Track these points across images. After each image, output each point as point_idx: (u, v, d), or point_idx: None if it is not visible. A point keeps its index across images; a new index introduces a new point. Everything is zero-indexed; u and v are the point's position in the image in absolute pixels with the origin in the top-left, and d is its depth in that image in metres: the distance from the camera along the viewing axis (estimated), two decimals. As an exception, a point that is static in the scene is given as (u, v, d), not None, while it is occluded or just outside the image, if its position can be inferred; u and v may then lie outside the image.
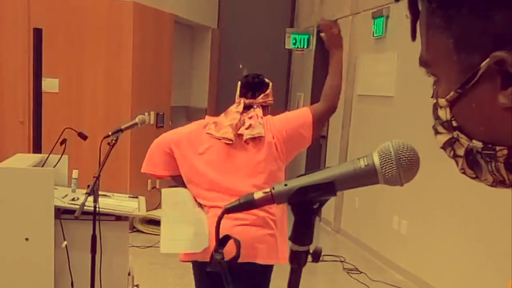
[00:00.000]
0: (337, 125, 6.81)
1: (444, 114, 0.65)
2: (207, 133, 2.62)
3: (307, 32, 7.95)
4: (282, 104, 9.22)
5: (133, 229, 6.04)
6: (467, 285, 4.37)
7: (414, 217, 5.18)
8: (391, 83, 5.57)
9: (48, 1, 5.83)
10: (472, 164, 0.65)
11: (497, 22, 0.56)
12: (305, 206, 0.87)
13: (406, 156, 0.84)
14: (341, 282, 5.21)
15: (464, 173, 0.67)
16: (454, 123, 0.64)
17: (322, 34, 2.81)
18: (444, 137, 0.66)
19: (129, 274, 3.36)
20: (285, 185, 0.88)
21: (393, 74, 5.52)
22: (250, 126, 2.63)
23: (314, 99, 7.72)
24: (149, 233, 6.07)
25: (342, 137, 6.68)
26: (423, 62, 0.67)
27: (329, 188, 0.85)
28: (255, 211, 2.55)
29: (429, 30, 0.64)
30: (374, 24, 5.89)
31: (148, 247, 5.65)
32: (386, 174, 0.84)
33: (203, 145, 2.62)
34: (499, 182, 0.65)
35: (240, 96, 2.74)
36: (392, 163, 0.84)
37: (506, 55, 0.56)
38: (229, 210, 0.92)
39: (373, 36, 5.93)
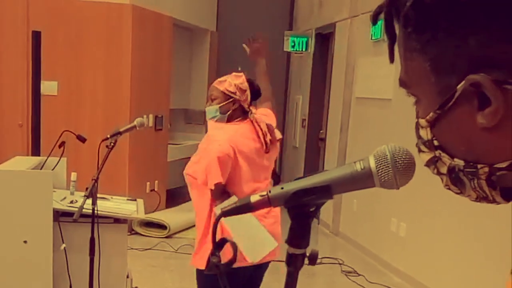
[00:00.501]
0: (336, 127, 6.82)
1: (426, 134, 0.66)
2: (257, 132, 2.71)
3: (305, 34, 7.96)
4: (281, 106, 9.23)
5: (132, 231, 6.04)
6: (466, 288, 4.38)
7: (413, 220, 5.19)
8: (389, 86, 5.58)
9: (47, 4, 5.84)
10: (455, 181, 0.66)
11: (472, 45, 0.57)
12: (302, 209, 0.87)
13: (402, 160, 0.84)
14: (340, 284, 5.21)
15: (449, 189, 0.69)
16: (436, 143, 0.66)
17: (245, 46, 3.03)
18: (427, 156, 0.68)
19: (127, 277, 3.36)
20: (282, 188, 0.88)
21: (391, 77, 5.52)
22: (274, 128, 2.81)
23: (313, 102, 7.74)
24: (148, 236, 6.07)
25: (341, 140, 6.69)
26: (402, 83, 0.68)
27: (325, 191, 0.86)
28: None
29: (406, 52, 0.65)
30: (372, 27, 5.90)
31: (147, 249, 5.66)
32: (382, 178, 0.84)
33: (251, 148, 2.70)
34: (482, 198, 0.66)
35: (251, 104, 2.78)
36: (388, 166, 0.84)
37: (481, 77, 0.57)
38: (226, 214, 0.92)
39: (371, 39, 5.94)
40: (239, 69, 10.29)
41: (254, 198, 0.90)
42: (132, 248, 5.39)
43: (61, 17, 5.87)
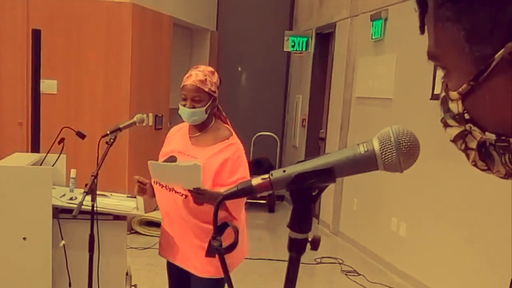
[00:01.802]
0: (336, 127, 6.81)
1: (456, 107, 0.64)
2: None
3: (305, 34, 7.95)
4: (281, 106, 9.23)
5: (131, 230, 6.02)
6: None
7: (413, 219, 5.17)
8: (389, 85, 5.58)
9: (47, 2, 5.83)
10: (484, 156, 0.65)
11: (510, 13, 0.56)
12: (304, 193, 0.86)
13: (406, 141, 0.83)
14: (339, 284, 5.20)
15: (475, 165, 0.67)
16: (467, 116, 0.64)
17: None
18: (455, 130, 0.66)
19: (127, 274, 3.35)
20: (284, 171, 0.87)
21: (392, 76, 5.52)
22: None
23: (313, 102, 7.74)
24: (147, 235, 6.05)
25: (341, 139, 6.68)
26: (431, 56, 0.66)
27: (328, 174, 0.84)
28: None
29: (439, 23, 0.63)
30: (372, 26, 5.89)
31: (146, 248, 5.64)
32: (386, 160, 0.83)
33: None
34: (511, 175, 0.64)
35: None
36: (392, 148, 0.83)
37: None
38: (227, 197, 0.91)
39: (371, 38, 5.93)
40: (239, 69, 10.24)
41: (256, 181, 0.88)
42: (131, 247, 5.38)
43: (61, 15, 5.86)
